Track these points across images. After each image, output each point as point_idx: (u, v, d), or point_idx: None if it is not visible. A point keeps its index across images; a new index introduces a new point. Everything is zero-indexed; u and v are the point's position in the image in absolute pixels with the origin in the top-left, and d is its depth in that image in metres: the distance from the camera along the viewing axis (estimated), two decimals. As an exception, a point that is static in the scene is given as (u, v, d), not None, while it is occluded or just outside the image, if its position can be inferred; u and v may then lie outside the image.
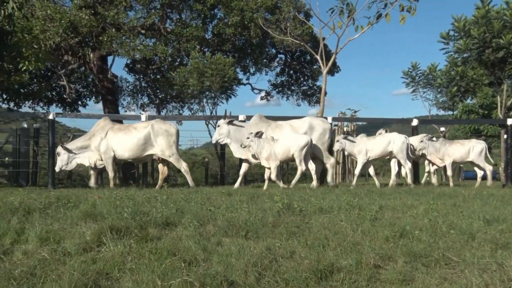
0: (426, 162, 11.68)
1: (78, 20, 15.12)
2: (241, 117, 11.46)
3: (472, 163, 11.17)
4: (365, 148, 10.58)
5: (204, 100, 17.33)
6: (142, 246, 4.28)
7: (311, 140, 9.94)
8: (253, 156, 9.84)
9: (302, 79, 23.26)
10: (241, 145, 9.73)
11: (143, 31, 17.76)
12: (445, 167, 11.21)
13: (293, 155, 9.70)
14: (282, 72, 23.28)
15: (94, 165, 9.93)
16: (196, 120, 17.99)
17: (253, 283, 3.62)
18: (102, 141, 9.75)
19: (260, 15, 17.34)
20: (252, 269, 3.79)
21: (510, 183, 11.40)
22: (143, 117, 11.85)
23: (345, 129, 16.22)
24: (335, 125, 14.37)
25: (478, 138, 13.04)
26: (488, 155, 11.41)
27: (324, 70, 15.68)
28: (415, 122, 12.77)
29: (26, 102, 18.99)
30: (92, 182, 10.06)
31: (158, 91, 21.53)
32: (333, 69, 21.42)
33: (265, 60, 21.22)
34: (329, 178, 10.50)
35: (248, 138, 9.61)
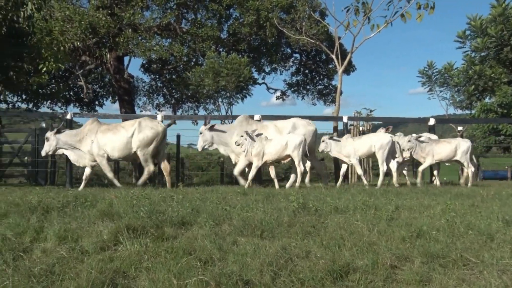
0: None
1: (97, 21, 15.30)
2: (256, 117, 11.46)
3: (457, 162, 11.03)
4: (352, 149, 10.55)
5: (220, 99, 17.40)
6: (158, 245, 4.31)
7: (305, 140, 9.92)
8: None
9: (317, 78, 23.21)
10: (235, 143, 9.72)
11: (159, 32, 17.89)
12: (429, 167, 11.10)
13: (288, 155, 9.64)
14: (298, 71, 23.24)
15: (83, 165, 9.93)
16: (212, 120, 18.02)
17: (269, 283, 3.62)
18: (94, 144, 9.70)
19: (276, 14, 17.33)
20: (268, 268, 3.79)
21: None
22: (159, 117, 11.93)
23: (360, 128, 16.12)
24: (350, 125, 14.29)
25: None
26: (473, 156, 11.38)
27: (340, 70, 15.62)
28: (432, 122, 12.64)
29: (45, 102, 19.28)
30: (81, 186, 9.95)
31: (173, 91, 21.68)
32: (349, 68, 21.31)
33: (280, 60, 21.18)
34: (305, 180, 10.40)
35: (242, 136, 9.60)
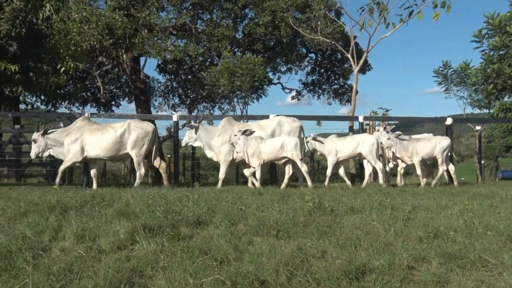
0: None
1: (113, 22, 15.45)
2: (271, 117, 11.45)
3: (434, 159, 10.89)
4: (334, 149, 10.53)
5: (235, 99, 17.43)
6: (174, 245, 4.34)
7: (300, 140, 9.98)
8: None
9: (333, 77, 23.10)
10: (228, 141, 9.73)
11: (174, 32, 17.99)
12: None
13: (284, 156, 9.63)
14: (313, 71, 23.16)
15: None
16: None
17: (284, 283, 3.62)
18: (76, 142, 9.68)
19: (291, 14, 17.30)
20: (284, 268, 3.79)
21: None
22: (174, 117, 12.00)
23: (376, 128, 16.00)
24: (366, 124, 14.20)
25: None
26: (453, 154, 11.29)
27: (356, 69, 15.55)
28: (449, 121, 12.50)
29: (63, 102, 19.53)
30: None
31: (189, 91, 21.78)
32: (365, 68, 21.16)
33: (295, 59, 21.13)
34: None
35: (235, 135, 9.59)
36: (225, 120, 10.45)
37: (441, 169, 10.56)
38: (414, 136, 11.05)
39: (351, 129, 13.76)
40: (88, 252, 4.22)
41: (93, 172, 10.12)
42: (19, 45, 9.62)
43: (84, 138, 9.69)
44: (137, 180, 9.90)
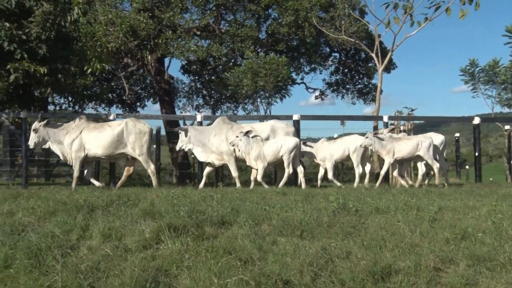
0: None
1: (137, 24, 15.65)
2: (295, 117, 11.42)
3: (419, 158, 10.63)
4: (328, 152, 10.52)
5: (258, 100, 17.43)
6: (199, 244, 4.37)
7: (300, 142, 9.95)
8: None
9: (357, 77, 22.86)
10: (230, 143, 9.64)
11: (198, 33, 18.10)
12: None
13: (282, 156, 9.61)
14: (337, 70, 22.97)
15: (66, 160, 9.98)
16: (251, 120, 18.12)
17: (309, 283, 3.62)
18: (75, 140, 9.73)
19: (314, 13, 17.20)
20: (308, 268, 3.78)
21: None
22: (198, 118, 12.07)
23: (401, 128, 15.79)
24: (391, 124, 14.03)
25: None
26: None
27: (380, 68, 15.37)
28: (476, 120, 12.24)
29: (89, 103, 19.86)
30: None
31: (212, 91, 21.87)
32: (389, 66, 20.88)
33: (319, 59, 20.99)
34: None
35: (237, 137, 9.53)
36: (219, 120, 10.35)
37: (420, 170, 10.42)
38: (395, 136, 10.94)
39: (375, 129, 13.61)
40: (114, 251, 4.29)
41: (88, 171, 10.14)
42: (48, 48, 9.82)
43: (83, 136, 9.76)
44: (152, 178, 10.01)
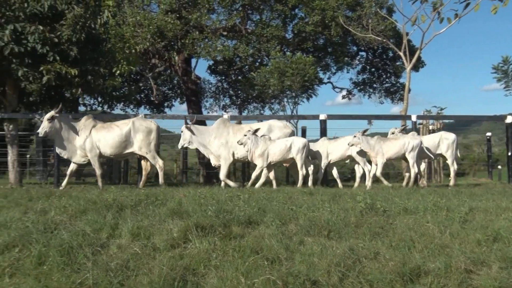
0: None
1: (165, 25, 15.84)
2: (322, 117, 11.36)
3: (404, 159, 10.35)
4: (326, 151, 10.38)
5: (285, 99, 17.41)
6: (226, 244, 4.40)
7: (308, 142, 9.84)
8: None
9: (384, 76, 22.59)
10: (238, 142, 9.59)
11: (224, 33, 18.19)
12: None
13: (292, 157, 9.54)
14: (364, 69, 22.75)
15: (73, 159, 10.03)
16: (277, 120, 18.07)
17: (336, 283, 3.60)
18: (87, 140, 9.83)
19: (341, 13, 17.07)
20: (335, 269, 3.76)
21: None
22: (225, 117, 12.12)
23: (430, 127, 15.54)
24: (419, 124, 13.81)
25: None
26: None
27: (408, 67, 15.17)
28: (509, 119, 11.92)
29: (118, 104, 20.20)
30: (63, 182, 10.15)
31: (239, 91, 21.94)
32: (418, 65, 20.53)
33: (346, 58, 20.82)
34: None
35: (245, 135, 9.48)
36: (219, 121, 10.31)
37: (412, 171, 10.13)
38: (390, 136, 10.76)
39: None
40: (143, 249, 4.36)
41: (71, 168, 10.15)
42: (78, 50, 10.02)
43: (93, 135, 9.88)
44: (160, 173, 10.12)
